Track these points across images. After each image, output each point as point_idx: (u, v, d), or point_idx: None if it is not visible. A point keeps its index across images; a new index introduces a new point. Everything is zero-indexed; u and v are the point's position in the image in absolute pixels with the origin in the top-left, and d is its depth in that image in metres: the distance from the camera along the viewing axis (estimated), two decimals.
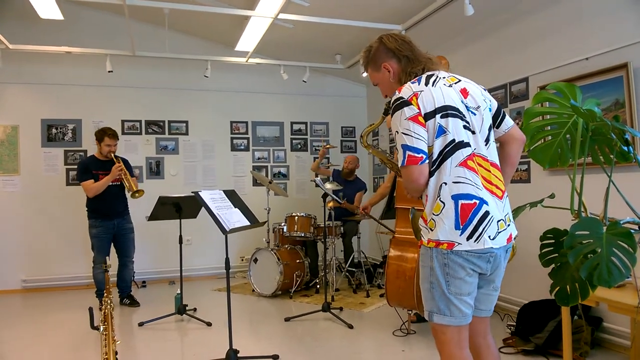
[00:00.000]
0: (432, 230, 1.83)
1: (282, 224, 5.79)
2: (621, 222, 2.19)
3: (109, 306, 2.71)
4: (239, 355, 3.32)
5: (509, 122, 2.02)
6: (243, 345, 3.56)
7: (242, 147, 7.08)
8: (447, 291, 1.82)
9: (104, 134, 4.97)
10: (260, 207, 5.81)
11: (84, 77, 6.31)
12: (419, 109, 1.80)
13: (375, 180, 7.39)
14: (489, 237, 1.79)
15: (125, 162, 5.10)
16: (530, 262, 3.02)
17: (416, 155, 1.78)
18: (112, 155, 4.97)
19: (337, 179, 6.02)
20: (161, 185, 6.39)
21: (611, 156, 2.44)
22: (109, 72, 5.53)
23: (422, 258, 1.91)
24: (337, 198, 5.00)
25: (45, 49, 5.56)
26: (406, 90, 1.85)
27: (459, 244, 1.77)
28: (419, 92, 1.82)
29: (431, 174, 1.83)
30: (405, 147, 1.80)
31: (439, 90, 1.84)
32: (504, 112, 2.02)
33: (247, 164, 7.08)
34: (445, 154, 1.80)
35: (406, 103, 1.81)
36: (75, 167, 6.22)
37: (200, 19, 5.91)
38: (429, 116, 1.80)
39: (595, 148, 2.51)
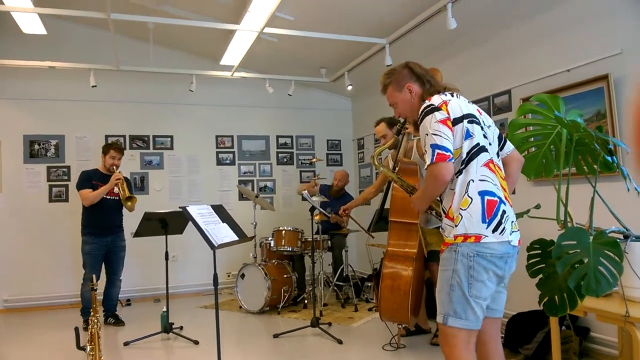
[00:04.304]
0: (457, 225, 1.98)
1: (269, 238, 5.74)
2: (607, 232, 2.22)
3: (95, 326, 2.66)
4: None
5: (510, 145, 2.26)
6: None
7: (228, 162, 7.05)
8: (469, 294, 1.94)
9: (110, 147, 5.06)
10: (246, 222, 5.75)
11: (68, 92, 6.24)
12: (448, 114, 1.99)
13: (361, 193, 7.38)
14: (508, 232, 1.98)
15: (127, 180, 5.11)
16: (517, 273, 3.02)
17: (445, 153, 1.94)
18: (115, 169, 4.99)
19: (325, 195, 5.99)
20: (146, 201, 6.31)
21: (595, 166, 2.47)
22: (93, 86, 5.49)
23: (443, 262, 2.03)
24: (324, 211, 4.97)
25: (28, 63, 5.51)
26: (436, 98, 2.06)
27: (485, 236, 1.93)
28: (448, 101, 2.05)
29: (460, 172, 2.00)
30: (435, 146, 1.96)
31: (463, 101, 2.08)
32: (505, 138, 2.24)
33: (233, 178, 7.04)
34: (472, 155, 2.01)
35: (437, 108, 2.00)
36: (58, 183, 6.17)
37: (185, 33, 5.90)
38: (457, 121, 2.00)
39: (579, 158, 2.55)
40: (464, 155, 1.99)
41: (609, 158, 2.41)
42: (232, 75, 6.14)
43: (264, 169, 7.23)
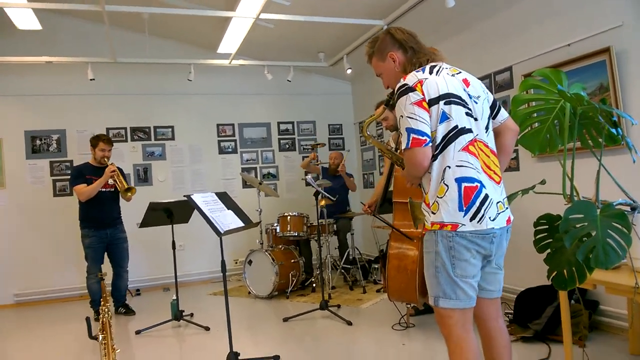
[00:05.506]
0: (435, 213, 1.91)
1: (275, 224, 5.77)
2: (614, 204, 2.22)
3: (107, 315, 2.68)
4: (239, 358, 3.30)
5: (504, 113, 2.13)
6: (243, 348, 3.53)
7: (230, 150, 7.04)
8: (454, 274, 1.89)
9: (98, 139, 5.01)
10: (251, 209, 5.77)
11: (66, 87, 6.23)
12: (423, 95, 1.88)
13: (365, 176, 7.40)
14: (490, 218, 1.88)
15: (120, 170, 5.06)
16: (525, 248, 3.05)
17: (420, 137, 1.86)
18: (106, 160, 4.96)
19: (324, 177, 6.04)
20: (150, 192, 6.33)
21: (600, 139, 2.46)
22: (91, 80, 5.47)
23: (426, 244, 1.98)
24: (329, 195, 4.98)
25: (25, 59, 5.49)
26: (411, 77, 1.93)
27: (462, 224, 1.86)
28: (424, 80, 1.91)
29: (435, 157, 1.90)
30: (410, 130, 1.87)
31: (442, 79, 1.93)
32: (499, 105, 2.13)
33: (236, 166, 7.05)
34: (449, 139, 1.89)
35: (411, 89, 1.89)
36: (61, 177, 6.19)
37: (180, 22, 5.86)
38: (432, 102, 1.88)
39: (584, 132, 2.54)
40: (439, 140, 1.88)
41: (613, 130, 2.40)
42: (230, 63, 6.11)
43: (266, 155, 7.23)
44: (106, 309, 2.75)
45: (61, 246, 6.07)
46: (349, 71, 6.11)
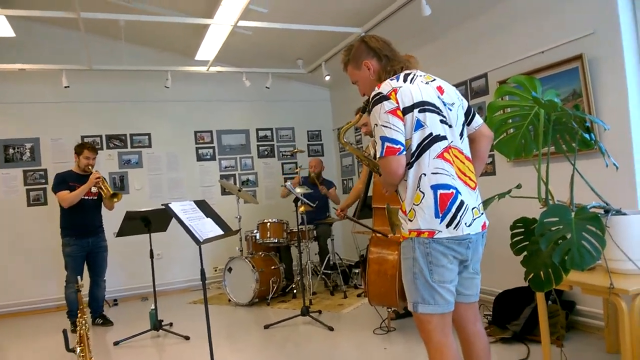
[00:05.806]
0: (411, 220, 1.92)
1: (255, 231, 5.75)
2: (588, 207, 2.27)
3: (84, 327, 2.64)
4: None
5: (478, 120, 2.15)
6: (224, 357, 3.52)
7: (208, 157, 7.00)
8: (431, 280, 1.90)
9: (83, 147, 4.98)
10: (230, 216, 5.72)
11: (40, 94, 6.12)
12: (397, 103, 1.90)
13: (344, 182, 7.43)
14: (466, 224, 1.90)
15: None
16: (502, 251, 3.10)
17: (394, 146, 1.87)
18: (90, 168, 4.92)
19: (305, 185, 6.03)
20: (126, 200, 6.20)
21: (573, 144, 2.52)
22: (66, 87, 5.39)
23: (403, 251, 1.99)
24: (309, 202, 4.98)
25: None
26: (385, 86, 1.96)
27: (439, 231, 1.87)
28: (398, 88, 1.92)
29: (410, 165, 1.92)
30: (384, 139, 1.88)
31: (416, 87, 1.95)
32: (474, 111, 2.15)
33: (215, 174, 7.00)
34: (424, 147, 1.91)
35: (385, 97, 1.91)
36: (35, 186, 6.07)
37: (157, 29, 5.81)
38: (407, 110, 1.90)
39: (558, 137, 2.59)
40: (414, 148, 1.90)
41: (586, 135, 2.46)
42: (207, 70, 6.08)
43: (245, 162, 7.21)
44: (83, 321, 2.70)
45: (36, 257, 5.94)
46: (327, 78, 6.14)
